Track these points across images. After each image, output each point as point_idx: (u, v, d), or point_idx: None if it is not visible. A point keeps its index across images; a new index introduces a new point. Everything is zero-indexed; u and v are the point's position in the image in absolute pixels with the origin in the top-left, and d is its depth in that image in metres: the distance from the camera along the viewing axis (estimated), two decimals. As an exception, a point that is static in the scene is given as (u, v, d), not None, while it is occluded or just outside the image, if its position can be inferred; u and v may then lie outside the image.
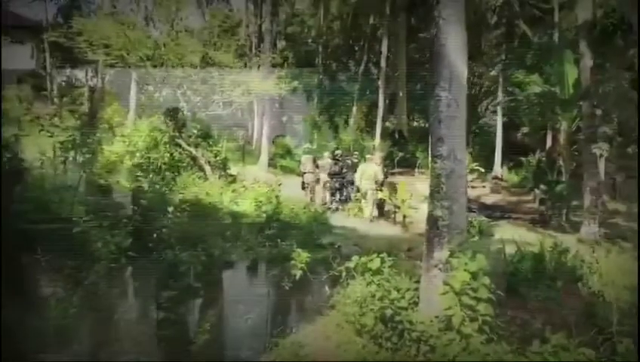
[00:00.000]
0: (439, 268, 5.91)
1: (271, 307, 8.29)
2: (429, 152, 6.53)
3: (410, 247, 11.60)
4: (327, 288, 6.88)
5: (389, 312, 5.87)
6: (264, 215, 13.01)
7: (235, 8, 39.53)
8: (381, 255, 6.58)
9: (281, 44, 39.81)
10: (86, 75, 25.96)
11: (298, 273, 6.61)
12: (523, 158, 28.63)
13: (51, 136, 10.82)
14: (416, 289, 6.48)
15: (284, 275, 7.32)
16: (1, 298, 6.28)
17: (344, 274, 6.60)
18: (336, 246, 11.45)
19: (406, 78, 33.11)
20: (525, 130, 31.30)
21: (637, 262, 7.26)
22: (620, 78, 18.17)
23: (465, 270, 5.26)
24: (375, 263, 6.45)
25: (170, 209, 9.67)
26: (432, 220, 6.22)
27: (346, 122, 33.32)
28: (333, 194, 18.03)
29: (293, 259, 6.70)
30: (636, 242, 10.24)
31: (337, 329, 6.40)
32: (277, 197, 13.85)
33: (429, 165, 6.42)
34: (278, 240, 11.02)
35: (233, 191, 15.06)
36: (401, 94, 33.05)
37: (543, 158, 23.36)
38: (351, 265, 6.58)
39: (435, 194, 6.20)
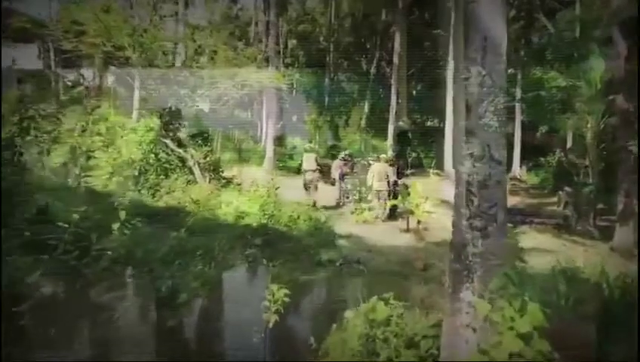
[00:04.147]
0: (472, 328, 4.10)
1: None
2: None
3: (425, 264, 9.81)
4: (312, 340, 5.04)
5: (398, 382, 4.12)
6: (253, 225, 11.21)
7: (243, 7, 39.10)
8: (387, 297, 4.79)
9: (291, 42, 39.42)
10: (93, 73, 24.63)
11: (273, 319, 4.82)
12: (542, 159, 27.50)
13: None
14: (435, 336, 4.74)
15: (256, 322, 5.29)
16: (0, 302, 5.50)
17: (335, 326, 4.86)
18: (338, 264, 9.59)
19: (409, 77, 32.35)
20: (544, 128, 29.83)
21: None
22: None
23: (511, 328, 3.43)
24: (380, 312, 4.58)
25: (116, 226, 7.48)
26: (458, 246, 4.37)
27: (346, 123, 32.71)
28: (347, 196, 17.64)
29: (266, 298, 4.88)
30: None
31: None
32: (264, 205, 12.10)
33: (455, 168, 4.56)
34: (264, 261, 9.00)
35: (218, 196, 13.31)
36: (415, 93, 32.13)
37: (563, 159, 22.07)
38: (347, 317, 4.81)
39: (462, 210, 4.38)
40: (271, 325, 4.80)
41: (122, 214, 7.37)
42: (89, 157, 13.13)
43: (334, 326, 5.03)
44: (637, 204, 14.67)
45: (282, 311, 4.84)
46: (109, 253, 6.92)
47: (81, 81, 23.59)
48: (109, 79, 22.44)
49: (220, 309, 7.38)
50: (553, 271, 7.14)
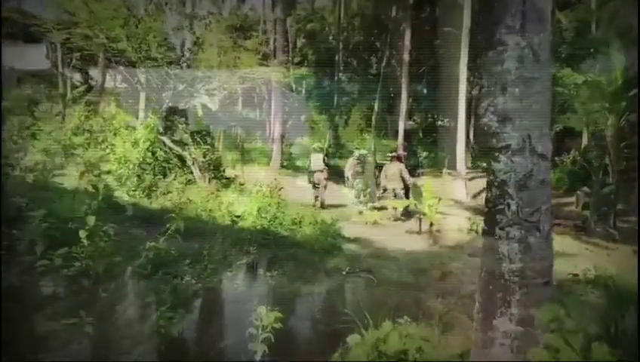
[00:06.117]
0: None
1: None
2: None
3: (443, 272, 8.96)
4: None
5: None
6: (252, 228, 10.35)
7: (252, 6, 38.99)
8: (403, 324, 3.94)
9: (300, 41, 39.27)
10: (101, 73, 24.14)
11: (260, 349, 3.96)
12: (556, 158, 26.76)
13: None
14: (461, 367, 3.90)
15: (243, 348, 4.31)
16: (0, 298, 5.21)
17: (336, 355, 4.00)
18: (343, 273, 8.73)
19: (420, 75, 31.80)
20: (559, 127, 29.05)
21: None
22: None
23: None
24: (392, 344, 3.70)
25: (84, 234, 6.15)
26: (491, 261, 3.52)
27: (349, 122, 31.99)
28: (357, 196, 17.03)
29: (253, 323, 4.00)
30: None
31: None
32: (264, 207, 11.26)
33: (491, 164, 3.65)
34: (261, 270, 8.08)
35: (217, 197, 12.47)
36: (426, 92, 31.58)
37: (578, 158, 21.65)
38: (350, 343, 3.94)
39: (495, 215, 3.52)
40: (258, 358, 3.92)
41: (91, 219, 6.34)
42: (68, 155, 12.35)
43: (336, 355, 4.18)
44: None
45: (272, 339, 3.98)
46: (76, 264, 5.99)
47: (89, 80, 23.11)
48: (112, 77, 21.89)
49: (200, 332, 6.20)
50: (585, 279, 6.39)
